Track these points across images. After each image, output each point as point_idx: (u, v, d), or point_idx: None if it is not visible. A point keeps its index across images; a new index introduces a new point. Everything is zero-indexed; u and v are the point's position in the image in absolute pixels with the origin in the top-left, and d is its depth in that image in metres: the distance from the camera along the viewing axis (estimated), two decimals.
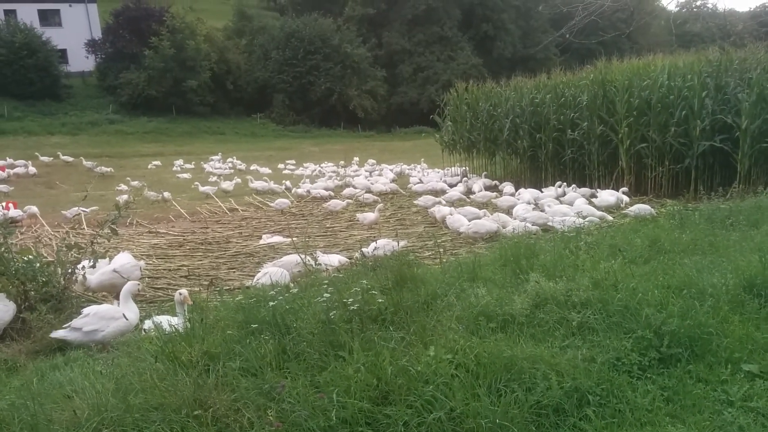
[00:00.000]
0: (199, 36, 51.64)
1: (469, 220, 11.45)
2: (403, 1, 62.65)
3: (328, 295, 3.94)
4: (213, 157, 35.91)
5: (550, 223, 11.51)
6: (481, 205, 14.25)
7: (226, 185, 20.53)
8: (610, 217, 11.83)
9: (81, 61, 54.05)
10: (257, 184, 20.67)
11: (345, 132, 56.52)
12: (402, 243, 9.04)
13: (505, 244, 6.60)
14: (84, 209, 14.57)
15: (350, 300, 3.92)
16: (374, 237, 12.14)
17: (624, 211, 13.21)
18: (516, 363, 3.48)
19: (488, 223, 10.70)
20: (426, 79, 60.61)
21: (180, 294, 5.39)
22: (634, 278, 4.98)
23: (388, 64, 62.42)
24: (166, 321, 4.86)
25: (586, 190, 16.05)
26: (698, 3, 68.15)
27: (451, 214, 12.21)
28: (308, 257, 7.05)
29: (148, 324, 5.40)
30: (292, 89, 55.76)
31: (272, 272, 6.89)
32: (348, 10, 63.96)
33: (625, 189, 15.34)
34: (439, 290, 4.86)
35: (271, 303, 4.10)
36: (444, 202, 15.85)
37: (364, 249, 8.88)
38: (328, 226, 14.23)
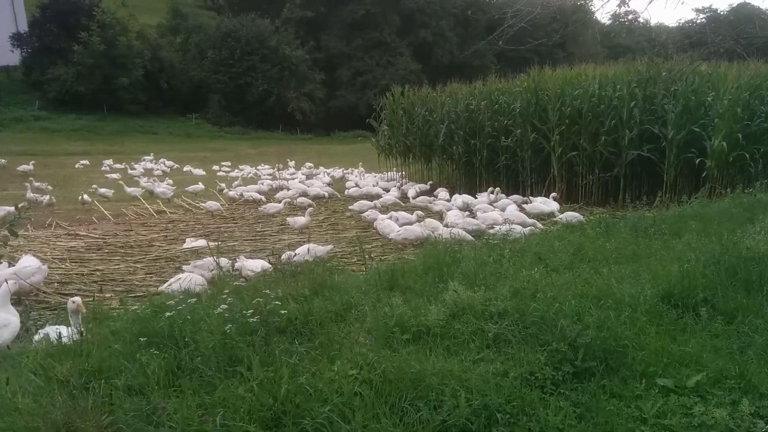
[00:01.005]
0: (131, 32, 50.07)
1: (401, 226, 11.29)
2: (342, 6, 62.46)
3: (226, 306, 3.63)
4: (144, 158, 34.77)
5: (482, 230, 11.50)
6: (412, 211, 14.12)
7: (161, 189, 19.37)
8: (540, 225, 11.87)
9: (6, 55, 51.40)
10: (161, 189, 19.41)
11: (283, 134, 55.79)
12: (328, 248, 8.77)
13: (429, 250, 6.42)
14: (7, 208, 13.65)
15: (250, 311, 3.62)
16: (304, 241, 11.85)
17: (555, 219, 13.35)
18: (424, 379, 3.26)
19: (418, 229, 10.55)
20: (365, 84, 60.56)
21: (73, 302, 4.94)
22: (554, 287, 4.88)
23: (326, 68, 62.11)
24: (55, 332, 4.43)
25: (518, 197, 16.18)
26: (630, 16, 70.63)
27: (393, 219, 12.06)
28: (226, 262, 6.72)
29: (39, 335, 4.94)
30: (228, 90, 54.67)
31: (185, 278, 6.50)
32: (286, 12, 63.30)
33: (555, 195, 15.53)
34: (354, 299, 4.61)
35: (167, 314, 3.75)
36: (379, 207, 15.70)
37: (287, 253, 8.58)
38: (258, 230, 13.80)
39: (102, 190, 18.97)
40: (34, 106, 46.77)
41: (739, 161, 14.83)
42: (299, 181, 22.99)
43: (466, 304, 4.37)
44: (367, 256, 7.08)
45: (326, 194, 19.34)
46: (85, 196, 16.97)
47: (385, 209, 16.56)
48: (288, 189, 19.47)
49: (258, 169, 31.68)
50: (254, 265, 7.98)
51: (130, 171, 28.98)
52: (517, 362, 3.62)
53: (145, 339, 3.55)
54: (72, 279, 8.59)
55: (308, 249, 8.50)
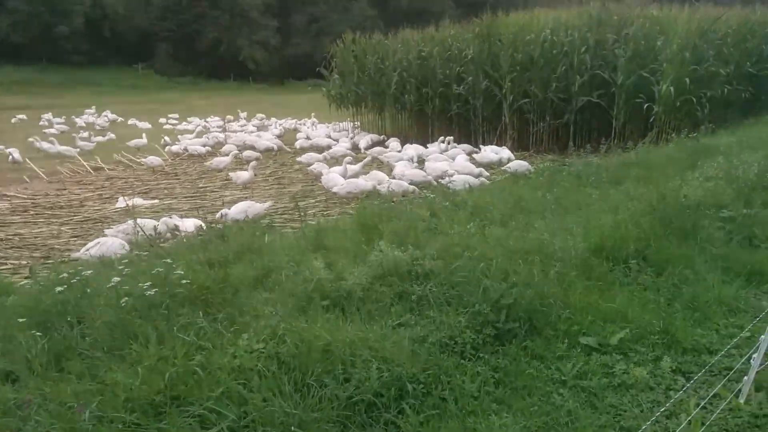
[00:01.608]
0: None
1: (348, 178, 11.02)
2: None
3: (118, 278, 3.34)
4: (87, 111, 33.36)
5: (428, 181, 11.32)
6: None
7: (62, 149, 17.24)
8: (486, 174, 11.73)
9: None
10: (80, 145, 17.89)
11: (236, 84, 54.21)
12: (266, 205, 8.45)
13: (364, 206, 6.18)
14: None
15: (147, 283, 3.33)
16: (246, 198, 11.49)
17: (503, 168, 13.23)
18: (335, 350, 3.06)
19: (362, 181, 10.28)
20: (320, 31, 58.86)
21: None
22: (486, 243, 4.70)
23: (280, 14, 60.06)
24: None
25: (468, 147, 15.98)
26: None
27: (341, 169, 11.75)
28: (154, 223, 6.39)
29: None
30: (176, 38, 52.63)
31: (104, 242, 6.14)
32: None
33: (505, 148, 15.40)
34: (274, 263, 4.36)
35: (58, 288, 3.44)
36: (328, 159, 15.37)
37: (222, 211, 8.25)
38: (201, 186, 13.35)
39: (43, 145, 17.68)
40: None
41: (686, 106, 14.86)
42: (248, 133, 22.36)
43: (393, 264, 4.16)
44: (302, 214, 6.81)
45: (275, 147, 18.81)
46: (15, 155, 16.11)
47: (334, 161, 16.25)
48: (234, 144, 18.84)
49: (207, 122, 30.71)
50: (187, 224, 7.65)
51: (55, 127, 27.71)
52: (437, 327, 3.45)
53: (25, 319, 3.23)
54: None
55: (244, 207, 8.18)
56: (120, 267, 3.89)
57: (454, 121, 18.69)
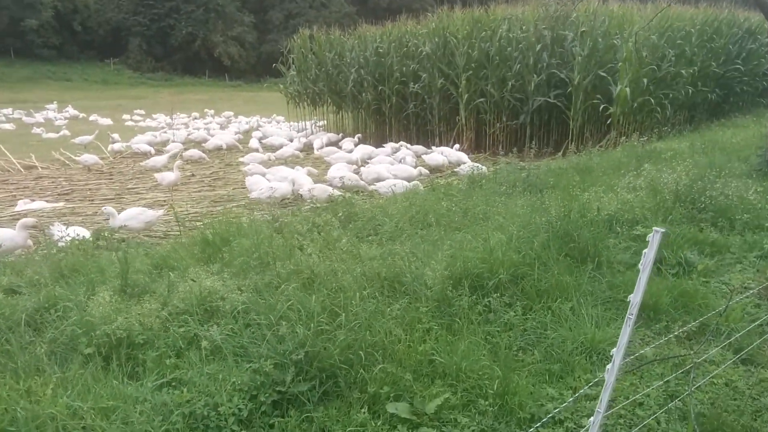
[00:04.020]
0: None
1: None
2: None
3: None
4: (48, 106, 32.36)
5: (361, 186, 10.59)
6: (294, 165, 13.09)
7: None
8: (425, 175, 11.02)
9: None
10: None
11: (210, 81, 53.15)
12: (158, 213, 7.65)
13: (214, 221, 5.42)
14: None
15: None
16: (164, 202, 10.72)
17: (456, 170, 12.53)
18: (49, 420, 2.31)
19: (284, 186, 9.51)
20: (297, 27, 57.84)
21: None
22: (338, 270, 3.96)
23: (257, 10, 59.04)
24: None
25: (421, 148, 15.26)
26: None
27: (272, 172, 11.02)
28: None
29: None
30: (150, 33, 51.43)
31: None
32: None
33: (457, 146, 14.68)
34: (63, 294, 3.59)
35: None
36: (272, 161, 14.62)
37: (114, 218, 7.42)
38: (129, 187, 12.53)
39: None
40: None
41: (646, 107, 14.23)
42: (208, 132, 21.54)
43: (197, 299, 3.41)
44: (180, 224, 6.02)
45: (224, 145, 18.00)
46: None
47: (282, 162, 15.49)
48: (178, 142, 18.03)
49: (172, 118, 29.88)
50: (74, 232, 6.86)
51: (25, 119, 26.85)
52: (204, 389, 2.69)
53: None
54: None
55: (135, 213, 7.40)
56: None
57: (411, 120, 17.98)
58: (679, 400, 2.94)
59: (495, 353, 3.21)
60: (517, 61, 15.28)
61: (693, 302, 3.89)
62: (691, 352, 3.27)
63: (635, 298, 2.07)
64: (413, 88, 17.08)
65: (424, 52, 16.67)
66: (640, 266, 2.08)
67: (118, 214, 7.45)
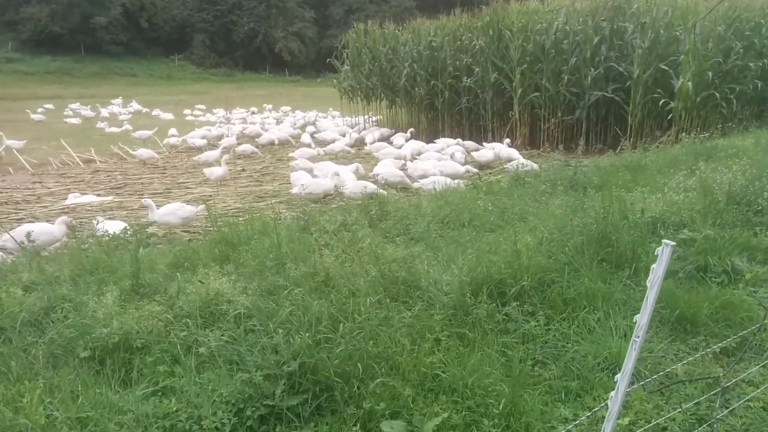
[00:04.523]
0: None
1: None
2: None
3: None
4: (113, 101, 33.49)
5: (406, 183, 10.43)
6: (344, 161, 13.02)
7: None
8: (473, 172, 10.77)
9: None
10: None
11: (270, 76, 53.93)
12: (198, 208, 7.69)
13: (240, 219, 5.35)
14: None
15: None
16: (216, 194, 10.83)
17: (506, 166, 12.20)
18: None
19: (325, 182, 9.44)
20: (358, 22, 58.11)
21: None
22: (359, 269, 3.82)
23: (317, 5, 59.56)
24: None
25: (472, 144, 14.95)
26: None
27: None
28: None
29: None
30: (213, 29, 52.59)
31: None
32: None
33: (507, 141, 14.29)
34: (65, 295, 3.58)
35: None
36: (321, 155, 14.61)
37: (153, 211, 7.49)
38: (180, 181, 12.75)
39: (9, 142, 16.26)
40: (7, 47, 45.06)
41: (710, 102, 13.49)
42: (263, 126, 21.80)
43: (203, 302, 3.33)
44: (212, 221, 5.99)
45: (276, 140, 18.14)
46: (16, 144, 15.83)
47: (332, 157, 15.46)
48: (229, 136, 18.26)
49: (230, 113, 30.45)
50: (114, 226, 6.98)
51: (83, 113, 27.82)
52: (191, 400, 2.59)
53: None
54: None
55: (174, 208, 7.46)
56: None
57: (464, 116, 17.65)
58: (708, 425, 2.66)
59: (509, 367, 3.00)
60: (574, 54, 14.77)
61: (736, 315, 3.55)
62: (722, 372, 2.97)
63: (642, 319, 1.84)
64: (466, 82, 16.76)
65: (477, 46, 16.33)
66: (648, 283, 1.85)
67: (159, 208, 7.53)
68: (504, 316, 3.46)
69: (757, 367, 3.11)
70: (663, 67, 13.45)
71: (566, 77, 14.85)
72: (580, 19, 14.74)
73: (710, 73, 12.95)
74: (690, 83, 12.70)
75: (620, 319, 3.48)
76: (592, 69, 14.52)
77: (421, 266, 3.84)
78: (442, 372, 2.88)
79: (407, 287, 3.66)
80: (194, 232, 7.62)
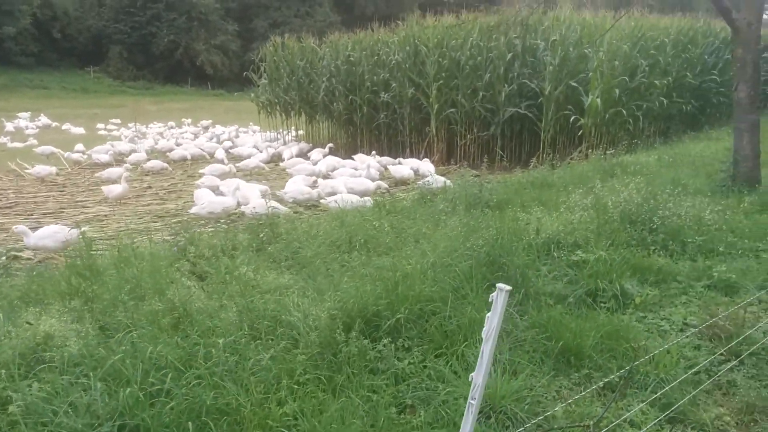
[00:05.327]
0: None
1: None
2: None
3: None
4: (20, 114, 31.65)
5: (314, 200, 10.10)
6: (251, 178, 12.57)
7: None
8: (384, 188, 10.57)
9: None
10: None
11: (193, 90, 52.42)
12: (72, 231, 7.08)
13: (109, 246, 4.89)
14: None
15: None
16: (113, 214, 10.18)
17: (419, 183, 12.03)
18: None
19: (227, 200, 8.97)
20: (282, 36, 57.51)
21: None
22: (212, 311, 3.43)
23: (241, 18, 58.52)
24: None
25: (387, 160, 14.78)
26: None
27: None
28: None
29: None
30: (131, 41, 50.67)
31: None
32: None
33: (426, 160, 14.19)
34: None
35: None
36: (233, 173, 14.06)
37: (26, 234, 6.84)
38: (78, 200, 11.96)
39: None
40: None
41: (618, 118, 13.82)
42: (176, 142, 20.98)
43: (27, 346, 2.88)
44: (85, 246, 5.45)
45: (189, 156, 17.44)
46: None
47: (247, 174, 14.97)
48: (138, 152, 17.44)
49: (147, 128, 29.33)
50: None
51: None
52: None
53: None
54: None
55: (51, 231, 6.84)
56: None
57: (383, 131, 17.50)
58: None
59: (374, 415, 2.69)
60: (488, 70, 14.87)
61: (621, 345, 3.38)
62: (602, 411, 2.76)
63: (478, 378, 1.56)
64: (384, 97, 16.61)
65: (394, 61, 16.22)
66: (483, 335, 1.58)
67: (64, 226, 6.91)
68: (377, 353, 3.16)
69: (641, 404, 2.92)
70: (573, 84, 13.70)
71: (481, 93, 14.92)
72: (494, 36, 14.84)
73: (617, 90, 13.26)
74: (599, 100, 12.96)
75: (502, 354, 3.25)
76: (506, 85, 14.66)
77: (291, 298, 3.49)
78: (295, 427, 2.54)
79: (275, 323, 3.31)
80: (76, 256, 7.00)
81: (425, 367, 3.12)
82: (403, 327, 3.36)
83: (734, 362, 3.34)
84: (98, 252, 4.89)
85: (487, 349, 1.58)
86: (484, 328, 1.61)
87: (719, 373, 3.21)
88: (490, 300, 1.59)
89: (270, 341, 3.15)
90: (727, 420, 2.96)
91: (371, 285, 3.66)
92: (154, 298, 3.50)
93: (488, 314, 1.61)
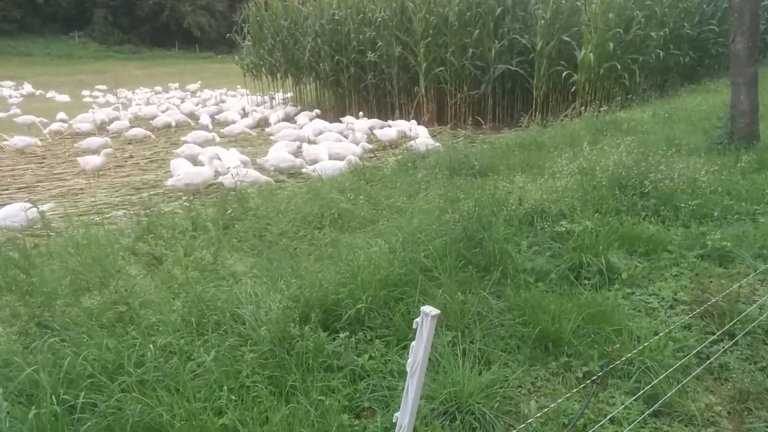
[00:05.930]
0: None
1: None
2: None
3: None
4: (3, 83, 31.01)
5: (297, 167, 9.74)
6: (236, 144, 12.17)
7: None
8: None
9: None
10: None
11: (180, 53, 51.38)
12: (41, 209, 6.74)
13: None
14: None
15: None
16: (89, 187, 9.84)
17: (409, 144, 11.64)
18: None
19: (204, 170, 8.61)
20: None
21: None
22: (158, 305, 3.14)
23: None
24: None
25: (376, 122, 14.35)
26: None
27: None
28: None
29: None
30: (115, 4, 49.41)
31: None
32: None
33: (413, 121, 13.76)
34: None
35: None
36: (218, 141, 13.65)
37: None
38: (57, 172, 11.60)
39: None
40: None
41: (613, 73, 13.37)
42: (162, 107, 20.47)
43: None
44: (46, 227, 5.14)
45: (173, 123, 16.96)
46: None
47: (232, 140, 14.59)
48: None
49: (134, 93, 28.80)
50: None
51: None
52: None
53: None
54: None
55: (14, 210, 6.52)
56: None
57: (371, 92, 17.00)
58: None
59: (325, 421, 2.42)
60: (477, 26, 14.32)
61: (603, 329, 3.10)
62: (578, 407, 2.49)
63: (403, 419, 1.26)
64: (371, 57, 16.07)
65: (380, 19, 15.64)
66: (408, 368, 1.27)
67: (29, 204, 6.57)
68: (337, 347, 2.87)
69: (624, 398, 2.65)
70: (565, 38, 13.22)
71: (471, 50, 14.41)
72: None
73: (612, 44, 12.79)
74: (592, 54, 12.50)
75: (474, 343, 2.97)
76: (496, 41, 14.16)
77: (244, 287, 3.20)
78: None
79: (223, 316, 3.02)
80: (42, 236, 6.70)
81: (387, 361, 2.84)
82: (366, 316, 3.06)
83: (729, 344, 3.07)
84: (63, 230, 4.56)
85: (412, 385, 1.28)
86: (409, 360, 1.32)
87: (711, 359, 2.94)
88: (414, 326, 1.28)
89: (216, 338, 2.86)
90: (718, 410, 2.70)
91: (335, 268, 3.35)
92: (95, 291, 3.21)
93: (413, 344, 1.31)
